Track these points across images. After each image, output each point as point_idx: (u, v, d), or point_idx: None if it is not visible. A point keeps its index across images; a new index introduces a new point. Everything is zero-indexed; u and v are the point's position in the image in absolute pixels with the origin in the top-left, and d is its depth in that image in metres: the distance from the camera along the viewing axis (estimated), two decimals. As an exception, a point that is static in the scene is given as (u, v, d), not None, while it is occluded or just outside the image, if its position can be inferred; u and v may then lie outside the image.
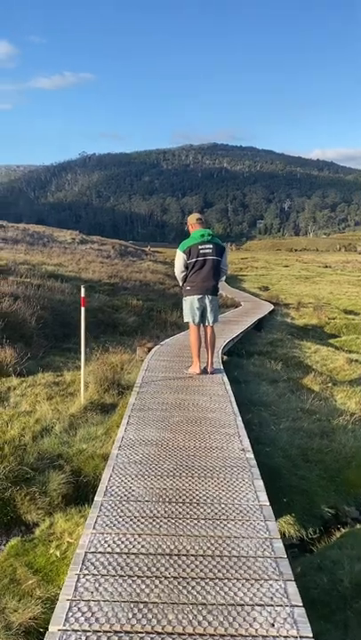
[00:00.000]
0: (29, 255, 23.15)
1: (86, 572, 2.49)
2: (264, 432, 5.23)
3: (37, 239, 33.88)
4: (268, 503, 3.21)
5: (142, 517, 2.99)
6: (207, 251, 5.98)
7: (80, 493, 4.13)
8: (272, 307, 18.09)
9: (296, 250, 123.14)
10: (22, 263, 17.44)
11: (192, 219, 6.29)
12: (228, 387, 5.84)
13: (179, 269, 6.10)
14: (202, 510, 3.09)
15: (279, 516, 4.18)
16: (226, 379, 6.21)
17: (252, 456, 3.91)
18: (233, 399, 5.38)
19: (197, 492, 3.30)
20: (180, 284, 6.27)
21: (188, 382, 6.01)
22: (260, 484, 3.46)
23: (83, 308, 5.60)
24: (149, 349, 8.02)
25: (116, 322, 11.77)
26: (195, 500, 3.20)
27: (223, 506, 3.15)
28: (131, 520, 2.96)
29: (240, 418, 4.79)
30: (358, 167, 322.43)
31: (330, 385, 7.64)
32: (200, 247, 5.95)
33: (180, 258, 6.04)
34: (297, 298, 25.65)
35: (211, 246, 6.00)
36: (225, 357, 8.28)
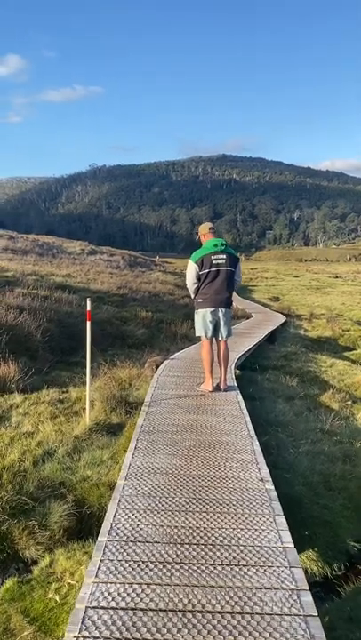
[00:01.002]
0: (38, 266, 23.01)
1: (86, 633, 2.15)
2: (282, 456, 4.86)
3: (47, 250, 33.83)
4: (292, 545, 2.86)
5: (151, 562, 2.65)
6: (220, 261, 5.67)
7: (83, 526, 3.79)
8: (284, 318, 17.71)
9: (306, 260, 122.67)
10: (30, 274, 17.25)
11: (204, 228, 5.99)
12: (243, 406, 5.49)
13: (190, 281, 5.79)
14: (218, 554, 2.74)
15: (301, 550, 3.82)
16: (240, 397, 5.86)
17: (272, 487, 3.56)
18: (248, 420, 5.03)
19: (213, 532, 2.95)
20: (192, 296, 5.96)
21: (201, 401, 5.67)
22: (282, 521, 3.10)
23: (88, 323, 5.29)
24: (158, 365, 7.68)
25: (124, 334, 11.46)
26: (210, 542, 2.85)
27: (242, 548, 2.80)
28: (138, 566, 2.61)
29: (257, 442, 4.43)
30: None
31: (349, 403, 7.25)
32: (213, 257, 5.64)
33: (191, 269, 5.73)
34: (309, 309, 25.23)
35: (224, 256, 5.69)
36: (238, 372, 7.93)
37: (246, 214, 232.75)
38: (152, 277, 27.61)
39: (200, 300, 5.78)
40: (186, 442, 4.37)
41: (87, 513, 3.81)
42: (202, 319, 5.79)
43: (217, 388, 6.07)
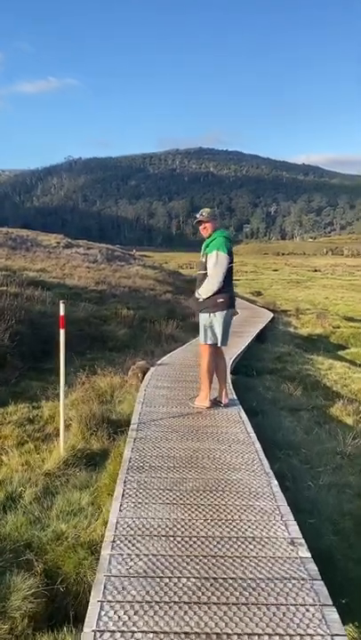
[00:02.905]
0: (10, 260, 21.71)
1: None
2: (301, 492, 3.99)
3: (20, 243, 32.37)
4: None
5: None
6: (232, 254, 4.80)
7: (57, 606, 2.85)
8: (272, 315, 16.91)
9: (283, 254, 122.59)
10: (1, 269, 16.06)
11: (212, 215, 5.01)
12: (250, 427, 4.60)
13: (223, 276, 4.78)
14: None
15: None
16: (244, 414, 4.97)
17: (308, 554, 2.68)
18: (259, 447, 4.14)
19: (241, 643, 2.05)
20: (206, 296, 4.87)
21: (198, 421, 4.75)
22: (333, 617, 2.23)
23: (62, 331, 4.32)
24: (143, 373, 6.75)
25: (104, 335, 10.46)
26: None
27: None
28: None
29: (275, 480, 3.54)
30: (343, 171, 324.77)
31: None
32: (232, 249, 4.79)
33: (224, 261, 4.75)
34: (293, 304, 24.57)
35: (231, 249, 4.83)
36: (232, 377, 7.05)
37: (224, 208, 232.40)
38: (131, 272, 26.52)
39: (221, 300, 4.83)
40: (187, 483, 3.46)
41: (61, 591, 2.86)
42: (222, 323, 4.85)
43: (215, 403, 5.17)
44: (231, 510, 3.10)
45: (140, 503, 3.17)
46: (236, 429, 4.54)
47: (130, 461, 3.77)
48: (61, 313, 4.31)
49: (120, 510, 3.07)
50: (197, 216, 5.00)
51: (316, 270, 69.45)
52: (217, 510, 3.10)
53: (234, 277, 5.16)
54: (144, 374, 6.76)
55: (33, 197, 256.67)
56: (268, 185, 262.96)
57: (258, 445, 4.16)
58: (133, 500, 3.20)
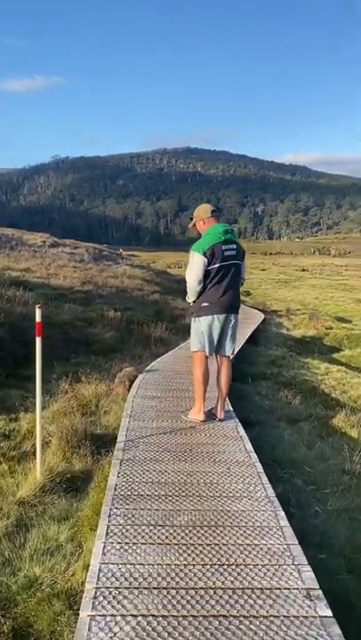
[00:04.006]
0: (-6, 260, 21.14)
1: None
2: (308, 520, 3.55)
3: (5, 242, 31.68)
4: None
5: None
6: (231, 253, 4.34)
7: (26, 674, 2.38)
8: (263, 315, 16.51)
9: (271, 253, 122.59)
10: (-17, 269, 15.49)
11: (204, 211, 4.57)
12: (249, 445, 4.15)
13: (196, 278, 4.33)
14: None
15: None
16: (241, 429, 4.53)
17: (329, 612, 2.24)
18: (261, 469, 3.70)
19: None
20: (191, 299, 4.51)
21: (192, 437, 4.30)
22: None
23: (38, 339, 3.83)
24: (131, 381, 6.28)
25: (90, 338, 9.96)
26: None
27: None
28: None
29: (282, 511, 3.10)
30: (330, 172, 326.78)
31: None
32: (224, 248, 4.28)
33: (199, 262, 4.30)
34: (283, 304, 24.26)
35: (235, 247, 4.37)
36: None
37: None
38: (119, 271, 26.00)
39: (205, 305, 4.39)
40: (181, 516, 3.00)
41: (32, 656, 2.39)
42: (207, 329, 4.42)
43: (209, 416, 4.73)
44: (234, 552, 2.65)
45: (126, 543, 2.70)
46: (235, 448, 4.09)
47: (115, 489, 3.30)
48: (37, 319, 3.81)
49: (103, 553, 2.61)
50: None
51: (304, 270, 69.54)
52: (217, 552, 2.65)
53: (244, 279, 4.71)
54: (131, 382, 6.29)
55: (19, 196, 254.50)
56: (256, 185, 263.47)
57: (259, 467, 3.72)
58: (119, 540, 2.73)
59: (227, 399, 4.95)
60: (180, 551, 2.65)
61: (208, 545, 2.71)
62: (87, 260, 28.76)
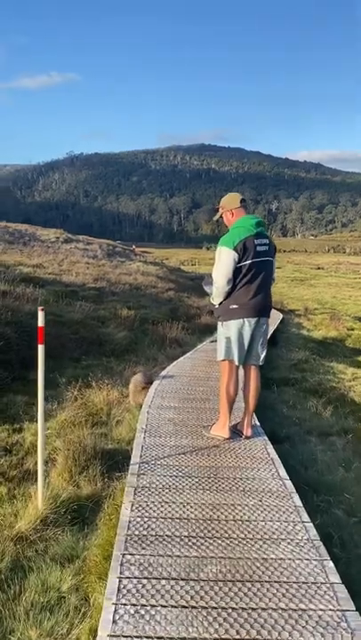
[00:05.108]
0: (6, 255, 20.76)
1: None
2: (356, 565, 3.00)
3: (18, 238, 31.38)
4: None
5: None
6: (264, 248, 3.79)
7: None
8: (281, 315, 15.90)
9: (285, 251, 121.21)
10: (-6, 264, 15.06)
11: (233, 200, 4.00)
12: (282, 470, 3.59)
13: (226, 276, 3.77)
14: None
15: None
16: (272, 451, 3.97)
17: None
18: (298, 501, 3.16)
19: None
20: (218, 301, 3.96)
21: (216, 459, 3.76)
22: None
23: (40, 346, 3.32)
24: (144, 388, 5.75)
25: (102, 338, 9.45)
26: None
27: None
28: None
29: (330, 562, 2.56)
30: (345, 169, 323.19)
31: None
32: (257, 242, 3.73)
33: (228, 259, 3.74)
34: (301, 303, 23.61)
35: (267, 242, 3.82)
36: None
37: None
38: (132, 268, 25.52)
39: (234, 307, 3.84)
40: (208, 567, 2.47)
41: None
42: (236, 335, 3.87)
43: (234, 432, 4.19)
44: (277, 621, 2.11)
45: (143, 606, 2.18)
46: (266, 473, 3.55)
47: (129, 527, 2.78)
48: (40, 323, 3.29)
49: (114, 621, 2.09)
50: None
51: (319, 268, 68.56)
52: (255, 621, 2.11)
53: (274, 278, 4.09)
54: (145, 388, 5.77)
55: (34, 192, 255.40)
56: (270, 182, 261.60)
57: (297, 500, 3.17)
58: (134, 600, 2.21)
59: (253, 414, 4.40)
60: (210, 619, 2.11)
61: (243, 610, 2.18)
62: (100, 257, 28.35)
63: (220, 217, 4.06)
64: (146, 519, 2.87)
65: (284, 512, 3.02)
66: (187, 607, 2.18)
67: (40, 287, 11.77)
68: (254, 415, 4.44)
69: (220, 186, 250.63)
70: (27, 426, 5.09)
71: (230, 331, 3.88)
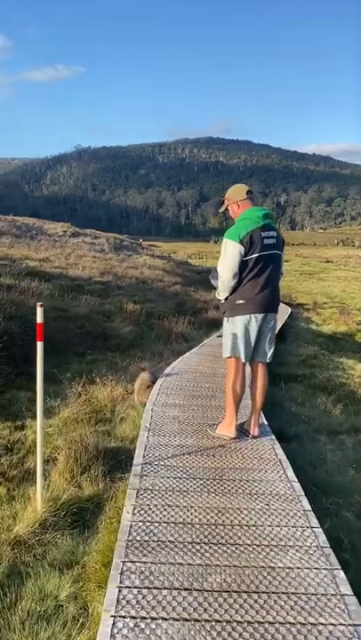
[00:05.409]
0: (13, 249, 20.70)
1: None
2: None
3: (25, 231, 31.33)
4: None
5: None
6: (272, 241, 3.65)
7: None
8: (289, 309, 15.72)
9: (293, 244, 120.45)
10: (0, 258, 15.00)
11: (239, 192, 3.87)
12: (290, 472, 3.47)
13: (232, 271, 3.64)
14: None
15: None
16: (280, 451, 3.84)
17: None
18: (307, 505, 3.03)
19: None
20: (223, 296, 3.84)
21: (222, 461, 3.63)
22: None
23: (39, 344, 3.21)
24: (149, 386, 5.63)
25: (107, 333, 9.35)
26: None
27: None
28: None
29: (341, 571, 2.43)
30: (355, 162, 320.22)
31: None
32: (264, 235, 3.59)
33: (234, 252, 3.61)
34: (309, 297, 23.38)
35: (275, 235, 3.68)
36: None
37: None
38: (139, 262, 25.41)
39: (240, 302, 3.71)
40: (212, 576, 2.35)
41: None
42: (243, 331, 3.74)
43: (241, 431, 4.06)
44: (285, 636, 1.99)
45: (143, 618, 2.07)
46: (273, 475, 3.42)
47: (130, 532, 2.67)
48: (39, 320, 3.19)
49: (112, 635, 1.98)
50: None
51: (328, 261, 68.06)
52: (262, 636, 1.99)
53: (282, 273, 3.94)
54: (150, 387, 5.66)
55: (42, 186, 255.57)
56: (279, 175, 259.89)
57: (305, 503, 3.04)
58: (134, 613, 2.10)
59: (260, 412, 4.27)
60: (214, 633, 2.00)
61: (249, 623, 2.06)
62: (107, 250, 28.26)
63: (226, 209, 3.92)
64: (148, 524, 2.76)
65: (292, 517, 2.89)
66: (189, 620, 2.07)
67: (46, 281, 11.68)
68: (262, 414, 4.31)
69: (228, 179, 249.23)
70: (29, 423, 4.99)
71: (236, 327, 3.75)
